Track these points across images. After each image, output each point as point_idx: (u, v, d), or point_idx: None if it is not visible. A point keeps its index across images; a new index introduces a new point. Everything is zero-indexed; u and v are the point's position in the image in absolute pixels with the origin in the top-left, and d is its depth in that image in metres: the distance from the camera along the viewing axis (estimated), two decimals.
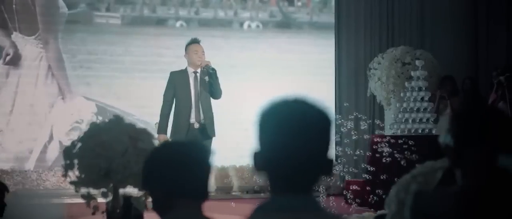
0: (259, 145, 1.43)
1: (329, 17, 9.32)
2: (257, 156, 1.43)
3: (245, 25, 9.13)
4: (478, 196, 1.66)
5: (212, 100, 6.01)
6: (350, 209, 6.74)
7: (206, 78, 5.93)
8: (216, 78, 5.92)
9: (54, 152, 8.11)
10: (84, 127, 7.95)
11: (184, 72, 6.05)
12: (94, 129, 2.31)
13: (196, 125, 5.91)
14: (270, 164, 1.41)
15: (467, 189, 1.68)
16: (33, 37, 8.17)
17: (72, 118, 8.18)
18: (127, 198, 2.35)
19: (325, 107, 1.44)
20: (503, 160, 1.64)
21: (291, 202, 1.39)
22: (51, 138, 8.15)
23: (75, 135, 7.88)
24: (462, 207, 1.66)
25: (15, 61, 8.13)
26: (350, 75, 9.10)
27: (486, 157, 1.67)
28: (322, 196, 6.62)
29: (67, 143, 7.29)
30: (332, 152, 1.44)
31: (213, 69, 5.90)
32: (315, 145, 1.40)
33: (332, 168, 1.43)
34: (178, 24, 8.88)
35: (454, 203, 1.67)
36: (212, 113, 5.99)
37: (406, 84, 7.80)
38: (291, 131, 1.39)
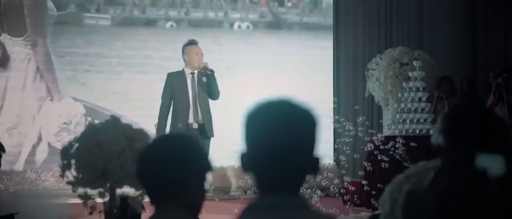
0: (246, 146, 1.45)
1: (319, 18, 9.36)
2: (244, 157, 1.46)
3: (235, 26, 9.16)
4: (460, 195, 1.68)
5: (210, 100, 6.04)
6: (348, 210, 6.76)
7: (204, 79, 5.96)
8: (214, 79, 5.95)
9: (43, 154, 8.12)
10: (73, 128, 8.01)
11: (181, 73, 6.08)
12: (91, 129, 2.33)
13: (195, 126, 5.94)
14: (257, 164, 1.44)
15: (451, 188, 1.71)
16: (22, 38, 8.18)
17: (60, 120, 8.18)
18: (124, 198, 2.37)
19: (309, 107, 1.46)
20: (487, 160, 1.67)
21: (279, 201, 1.41)
22: (39, 139, 8.16)
23: (63, 136, 7.93)
24: (445, 205, 1.69)
25: (3, 62, 8.14)
26: (348, 76, 9.13)
27: (470, 157, 1.70)
28: (320, 196, 6.65)
29: (56, 144, 7.28)
30: (318, 151, 1.47)
31: (212, 70, 5.93)
32: (301, 144, 1.43)
33: (318, 167, 1.45)
34: (168, 25, 8.91)
35: (439, 201, 1.70)
36: (210, 114, 6.02)
37: (404, 84, 7.83)
38: (276, 132, 1.41)
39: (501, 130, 1.77)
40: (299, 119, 1.44)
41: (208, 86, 5.94)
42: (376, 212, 4.45)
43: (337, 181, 8.06)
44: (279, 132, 1.41)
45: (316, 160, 1.46)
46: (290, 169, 1.42)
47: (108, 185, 2.37)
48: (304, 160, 1.44)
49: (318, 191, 6.61)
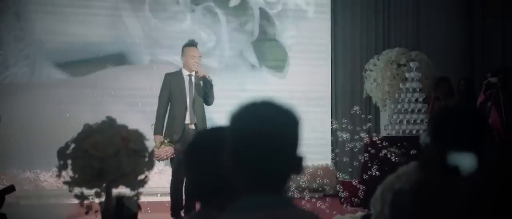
0: (231, 147, 1.49)
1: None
2: (228, 157, 1.49)
3: None
4: (431, 191, 1.73)
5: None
6: (345, 210, 6.81)
7: (201, 82, 6.00)
8: (212, 88, 6.01)
9: None
10: None
11: (179, 74, 6.11)
12: (87, 130, 2.36)
13: (192, 126, 5.99)
14: (241, 164, 1.47)
15: (422, 184, 1.76)
16: None
17: None
18: (120, 199, 2.40)
19: (291, 108, 1.50)
20: (459, 157, 1.71)
21: (264, 200, 1.44)
22: None
23: None
24: (417, 201, 1.73)
25: None
26: (346, 76, 9.16)
27: (443, 155, 1.74)
28: (318, 197, 6.69)
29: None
30: (301, 150, 1.50)
31: (210, 83, 5.97)
32: (284, 144, 1.46)
33: (302, 166, 1.49)
34: None
35: (413, 197, 1.74)
36: (205, 116, 6.07)
37: (401, 85, 7.86)
38: (260, 132, 1.44)
39: (480, 128, 1.81)
40: (282, 119, 1.47)
41: (205, 94, 5.99)
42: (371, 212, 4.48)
43: (334, 182, 8.10)
44: (263, 132, 1.44)
45: (300, 159, 1.49)
46: (274, 168, 1.45)
47: (104, 185, 2.41)
48: (287, 159, 1.47)
49: (316, 192, 6.66)
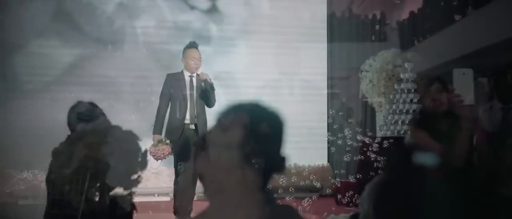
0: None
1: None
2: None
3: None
4: (391, 186, 1.78)
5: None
6: (340, 210, 6.84)
7: (202, 84, 6.03)
8: (213, 91, 6.04)
9: None
10: None
11: (180, 75, 6.15)
12: (82, 131, 2.41)
13: (192, 126, 6.02)
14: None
15: (386, 181, 1.81)
16: None
17: None
18: (113, 198, 2.45)
19: (276, 110, 1.56)
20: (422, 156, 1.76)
21: (247, 198, 1.50)
22: None
23: None
24: (381, 196, 1.79)
25: None
26: (342, 77, 9.19)
27: (411, 155, 1.79)
28: (314, 197, 6.72)
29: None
30: (285, 151, 1.56)
31: (212, 86, 6.01)
32: (268, 143, 1.52)
33: (284, 165, 1.54)
34: None
35: (379, 195, 1.80)
36: (205, 117, 6.10)
37: (396, 86, 7.89)
38: (245, 132, 1.50)
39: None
40: (267, 120, 1.53)
41: (206, 97, 6.02)
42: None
43: (330, 182, 8.13)
44: (248, 132, 1.49)
45: (283, 159, 1.55)
46: (258, 167, 1.50)
47: (98, 184, 2.45)
48: (271, 159, 1.52)
49: (313, 192, 6.69)
